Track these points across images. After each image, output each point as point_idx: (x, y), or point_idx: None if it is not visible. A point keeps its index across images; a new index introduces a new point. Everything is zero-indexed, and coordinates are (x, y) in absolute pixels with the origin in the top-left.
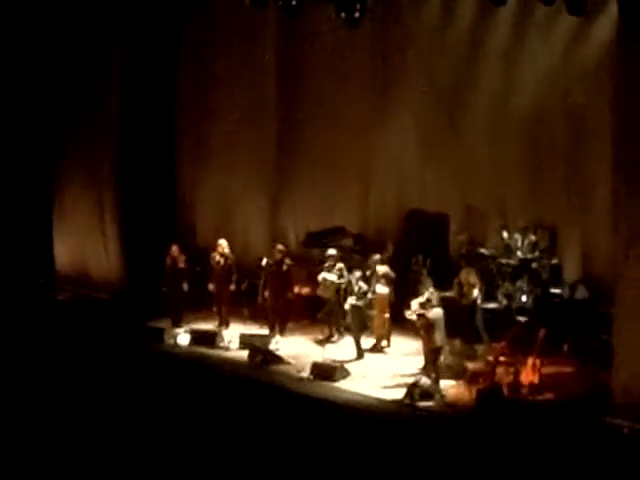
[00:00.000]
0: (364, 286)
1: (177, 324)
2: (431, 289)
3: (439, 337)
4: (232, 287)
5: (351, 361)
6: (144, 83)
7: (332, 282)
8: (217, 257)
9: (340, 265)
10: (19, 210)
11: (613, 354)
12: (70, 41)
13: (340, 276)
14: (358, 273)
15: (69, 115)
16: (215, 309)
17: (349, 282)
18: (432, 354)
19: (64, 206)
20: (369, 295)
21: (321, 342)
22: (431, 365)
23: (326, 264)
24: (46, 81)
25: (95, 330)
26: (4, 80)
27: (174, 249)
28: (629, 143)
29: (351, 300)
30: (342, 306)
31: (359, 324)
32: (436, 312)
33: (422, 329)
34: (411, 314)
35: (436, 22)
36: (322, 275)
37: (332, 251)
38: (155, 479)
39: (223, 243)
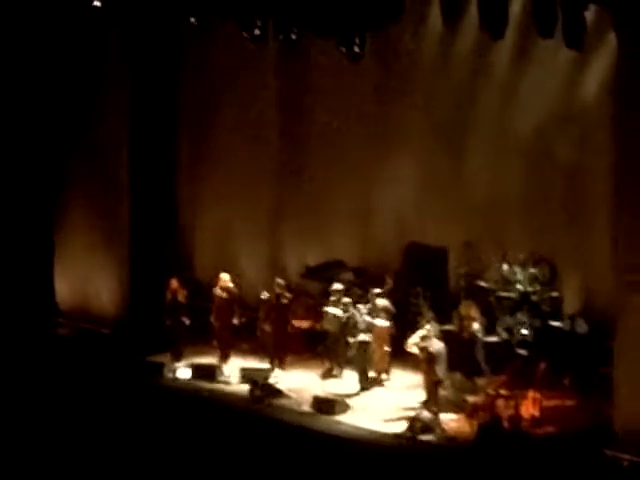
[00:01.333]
0: (371, 321)
1: (177, 358)
2: (432, 322)
3: (440, 370)
4: (235, 321)
5: (352, 395)
6: (146, 116)
7: (337, 316)
8: (219, 291)
9: (346, 300)
10: (20, 244)
11: (613, 387)
12: (73, 71)
13: (345, 311)
14: (364, 308)
15: (71, 149)
16: (215, 343)
17: (353, 316)
18: (433, 387)
19: (65, 240)
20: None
21: (322, 376)
22: (432, 398)
23: (332, 298)
24: (49, 110)
25: (95, 364)
26: (8, 108)
27: (174, 283)
28: (630, 176)
29: (361, 336)
30: (345, 340)
31: (364, 359)
32: (438, 345)
33: (424, 362)
34: (412, 346)
35: (436, 56)
36: (327, 309)
37: (338, 285)
38: None
39: (225, 277)
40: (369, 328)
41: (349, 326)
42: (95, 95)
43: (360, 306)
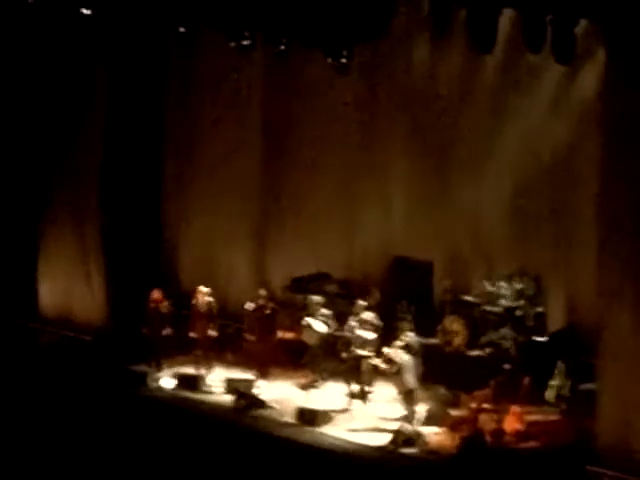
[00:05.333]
0: (365, 335)
1: (159, 368)
2: (408, 333)
3: (410, 379)
4: (212, 333)
5: (335, 407)
6: (129, 128)
7: (314, 328)
8: (198, 303)
9: (325, 312)
10: (3, 252)
11: (596, 403)
12: (54, 86)
13: (325, 323)
14: (355, 323)
15: (54, 160)
16: (199, 353)
17: (337, 330)
18: (406, 397)
19: (49, 248)
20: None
21: (304, 387)
22: (408, 410)
23: (310, 310)
24: (33, 126)
25: (78, 373)
26: None
27: (156, 294)
28: (614, 195)
29: (357, 351)
30: (336, 354)
31: (358, 373)
32: (402, 355)
33: (392, 375)
34: (381, 362)
35: (423, 70)
36: (306, 321)
37: (316, 297)
38: None
39: (203, 290)
40: (362, 343)
41: (340, 341)
42: (78, 107)
43: (352, 322)
